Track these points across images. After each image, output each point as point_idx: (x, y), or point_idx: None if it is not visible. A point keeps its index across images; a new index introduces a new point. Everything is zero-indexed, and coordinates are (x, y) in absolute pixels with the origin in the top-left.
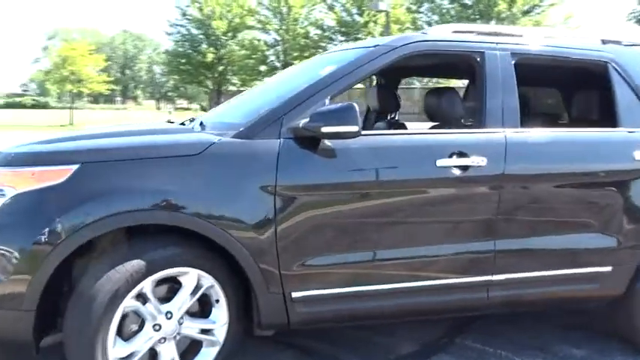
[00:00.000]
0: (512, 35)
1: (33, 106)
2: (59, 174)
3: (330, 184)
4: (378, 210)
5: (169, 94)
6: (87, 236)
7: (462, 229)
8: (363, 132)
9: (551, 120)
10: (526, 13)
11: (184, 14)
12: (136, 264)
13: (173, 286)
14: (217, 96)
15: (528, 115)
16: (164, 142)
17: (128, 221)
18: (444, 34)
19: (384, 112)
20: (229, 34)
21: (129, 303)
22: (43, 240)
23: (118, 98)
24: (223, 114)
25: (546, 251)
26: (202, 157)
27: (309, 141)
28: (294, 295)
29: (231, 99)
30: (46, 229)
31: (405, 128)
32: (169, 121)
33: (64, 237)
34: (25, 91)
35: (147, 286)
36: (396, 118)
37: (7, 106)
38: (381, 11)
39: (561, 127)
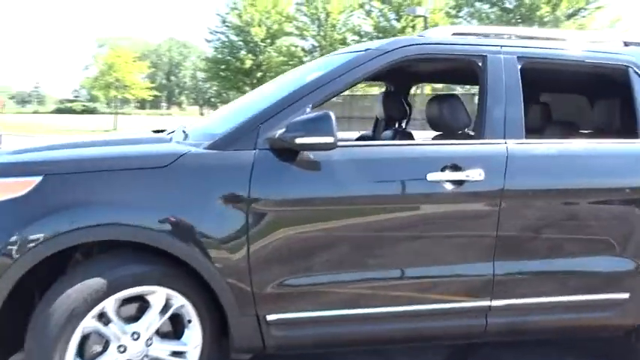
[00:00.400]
0: (520, 38)
1: (82, 112)
2: (22, 186)
3: (309, 199)
4: (362, 228)
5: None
6: (46, 252)
7: (456, 250)
8: (348, 143)
9: (564, 130)
10: (570, 16)
11: (224, 21)
12: (97, 282)
13: (142, 304)
14: None
15: (538, 125)
16: (132, 153)
17: (89, 237)
18: (443, 37)
19: (391, 120)
20: (267, 41)
21: (89, 323)
22: (1, 254)
23: (164, 104)
24: (209, 123)
25: (553, 275)
26: (170, 170)
27: (286, 152)
28: (270, 317)
29: (224, 107)
30: (5, 243)
31: (412, 138)
32: (157, 130)
33: (24, 252)
34: (76, 97)
35: (109, 305)
36: (404, 127)
37: (59, 111)
38: (418, 16)
39: (574, 138)
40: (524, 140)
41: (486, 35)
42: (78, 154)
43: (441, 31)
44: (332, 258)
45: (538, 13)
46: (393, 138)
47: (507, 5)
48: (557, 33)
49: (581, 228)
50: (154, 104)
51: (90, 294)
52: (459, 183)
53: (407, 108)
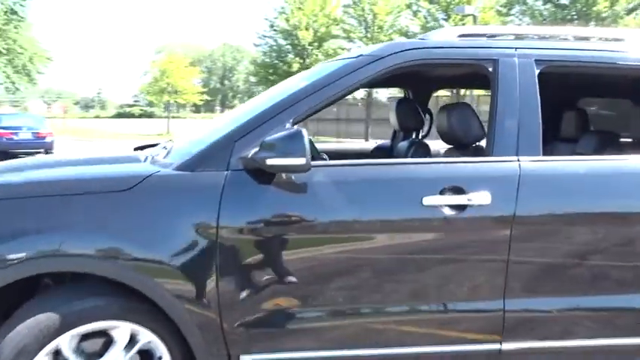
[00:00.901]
0: (540, 38)
1: (140, 116)
2: None
3: (286, 226)
4: (346, 259)
5: None
6: None
7: (458, 284)
8: (331, 162)
9: (600, 140)
10: (631, 11)
11: (272, 26)
12: (50, 317)
13: (107, 340)
14: None
15: (568, 136)
16: (91, 175)
17: (39, 268)
18: (447, 39)
19: (407, 130)
20: (315, 44)
21: None
22: None
23: (218, 108)
24: (192, 139)
25: (574, 314)
26: (132, 193)
27: (261, 174)
28: (243, 358)
29: (215, 119)
30: None
31: (428, 150)
32: (139, 147)
33: None
34: (135, 101)
35: (64, 342)
36: (420, 138)
37: (119, 115)
38: (467, 15)
39: (611, 149)
40: (540, 157)
41: (498, 36)
42: (30, 177)
43: (446, 33)
44: (312, 293)
45: (595, 9)
46: (408, 150)
47: (562, 1)
48: (583, 31)
49: (612, 260)
50: (209, 108)
51: (42, 330)
52: (460, 208)
53: (423, 117)
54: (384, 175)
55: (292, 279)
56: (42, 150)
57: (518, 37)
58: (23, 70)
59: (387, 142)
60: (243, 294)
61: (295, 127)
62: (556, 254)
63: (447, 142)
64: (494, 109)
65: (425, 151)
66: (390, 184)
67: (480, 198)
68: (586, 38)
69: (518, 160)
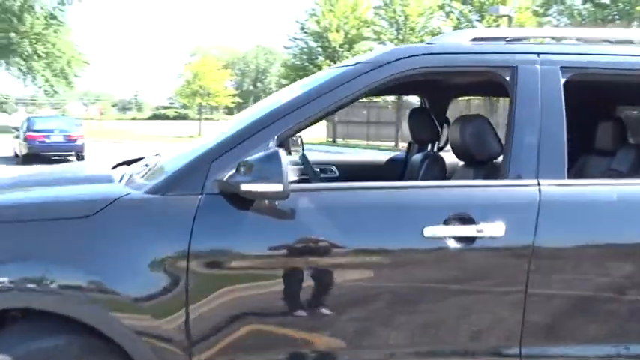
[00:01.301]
0: (569, 42)
1: (175, 118)
2: None
3: (265, 257)
4: (333, 296)
5: None
6: None
7: (465, 328)
8: (318, 186)
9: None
10: None
11: (302, 28)
12: None
13: None
14: None
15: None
16: (53, 199)
17: None
18: (458, 44)
19: (420, 142)
20: (345, 46)
21: None
22: None
23: None
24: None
25: None
26: (94, 221)
27: (238, 198)
28: None
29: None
30: None
31: (443, 165)
32: (126, 162)
33: None
34: (171, 103)
35: None
36: (434, 150)
37: (154, 117)
38: (502, 16)
39: None
40: (564, 181)
41: (518, 40)
42: None
43: (457, 36)
44: (292, 330)
45: (639, 8)
46: (421, 164)
47: (603, 0)
48: (621, 33)
49: None
50: (241, 110)
51: None
52: (469, 240)
53: (439, 127)
54: (378, 200)
55: (269, 316)
56: (73, 152)
57: (544, 40)
58: (61, 74)
59: (401, 153)
60: (216, 332)
61: (273, 147)
62: (582, 294)
63: (460, 158)
64: (511, 123)
65: (439, 166)
66: (385, 212)
67: (492, 229)
68: (628, 41)
69: (539, 185)
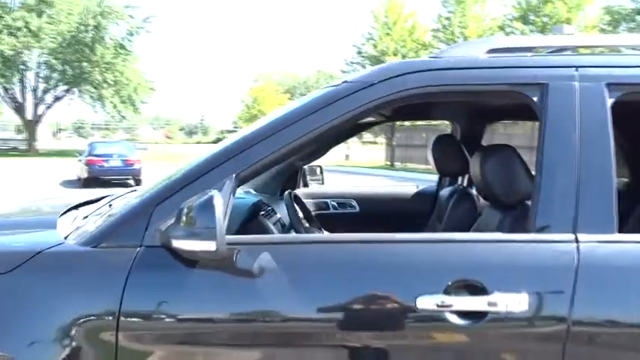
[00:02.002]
0: (616, 51)
1: None
2: None
3: (212, 322)
4: None
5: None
6: None
7: None
8: (272, 238)
9: None
10: None
11: (359, 52)
12: None
13: None
14: (391, 131)
15: None
16: None
17: None
18: (471, 57)
19: (445, 175)
20: None
21: None
22: None
23: None
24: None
25: None
26: (12, 277)
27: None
28: None
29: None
30: None
31: (472, 202)
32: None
33: None
34: (235, 127)
35: None
36: (464, 185)
37: (218, 141)
38: (568, 35)
39: None
40: (614, 236)
41: (549, 49)
42: None
43: (470, 47)
44: None
45: None
46: (448, 200)
47: None
48: None
49: None
50: None
51: None
52: (477, 316)
53: (468, 158)
54: (356, 260)
55: None
56: (130, 176)
57: (582, 50)
58: (128, 100)
59: (432, 186)
60: None
61: (210, 192)
62: None
63: (483, 197)
64: (540, 157)
65: (469, 204)
66: (365, 277)
67: (510, 302)
68: None
69: (577, 241)
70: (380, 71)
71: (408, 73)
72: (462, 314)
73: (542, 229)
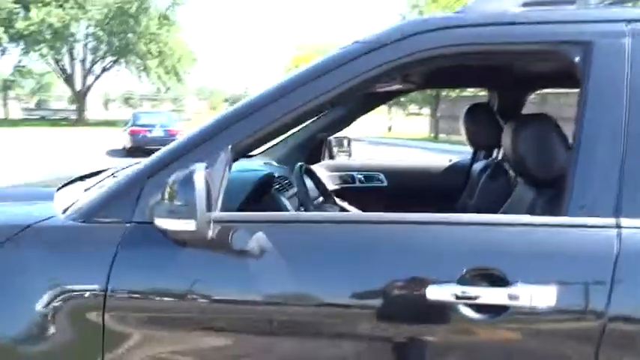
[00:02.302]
0: None
1: None
2: None
3: (199, 304)
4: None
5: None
6: None
7: None
8: (263, 216)
9: None
10: None
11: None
12: None
13: None
14: (436, 102)
15: None
16: None
17: None
18: (502, 11)
19: (478, 148)
20: None
21: None
22: None
23: None
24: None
25: None
26: (3, 250)
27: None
28: None
29: None
30: None
31: (506, 176)
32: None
33: None
34: None
35: None
36: (499, 158)
37: None
38: None
39: None
40: None
41: (596, 2)
42: None
43: (502, 0)
44: None
45: None
46: (480, 175)
47: None
48: None
49: None
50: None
51: None
52: (497, 310)
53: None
54: (357, 242)
55: None
56: None
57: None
58: (172, 71)
59: (466, 159)
60: None
61: (191, 168)
62: None
63: (516, 172)
64: (579, 128)
65: (503, 180)
66: (366, 261)
67: (536, 295)
68: None
69: (618, 226)
70: (395, 30)
71: (427, 31)
72: (478, 307)
73: (577, 212)
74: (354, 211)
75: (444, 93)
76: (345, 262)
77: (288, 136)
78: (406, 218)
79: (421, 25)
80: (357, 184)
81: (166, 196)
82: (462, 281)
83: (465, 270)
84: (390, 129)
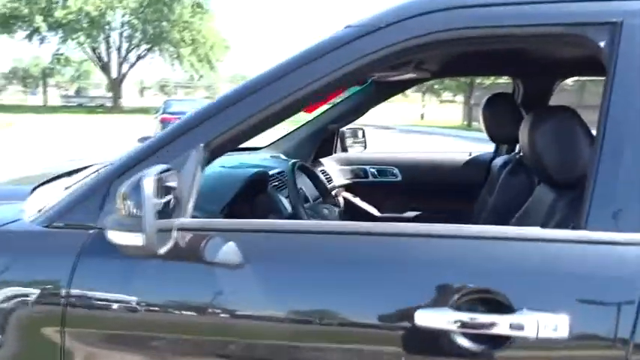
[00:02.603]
0: None
1: None
2: None
3: (161, 318)
4: None
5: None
6: None
7: None
8: (238, 224)
9: None
10: None
11: None
12: None
13: None
14: (469, 89)
15: None
16: None
17: None
18: None
19: (498, 141)
20: None
21: None
22: None
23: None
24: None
25: None
26: None
27: None
28: None
29: None
30: None
31: (527, 173)
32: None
33: None
34: None
35: None
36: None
37: None
38: None
39: None
40: None
41: None
42: None
43: None
44: None
45: None
46: (500, 171)
47: None
48: None
49: None
50: None
51: None
52: (497, 341)
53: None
54: (332, 254)
55: None
56: None
57: None
58: (205, 58)
59: (487, 153)
60: None
61: (141, 174)
62: None
63: (535, 172)
64: (602, 124)
65: (524, 178)
66: (343, 277)
67: (544, 324)
68: None
69: None
70: (390, 12)
71: (426, 13)
72: (475, 337)
73: (598, 224)
74: (365, 207)
75: (478, 80)
76: (319, 277)
77: (297, 128)
78: (391, 229)
79: (424, 5)
80: (370, 178)
81: (117, 204)
82: (456, 305)
83: (461, 292)
84: (422, 117)
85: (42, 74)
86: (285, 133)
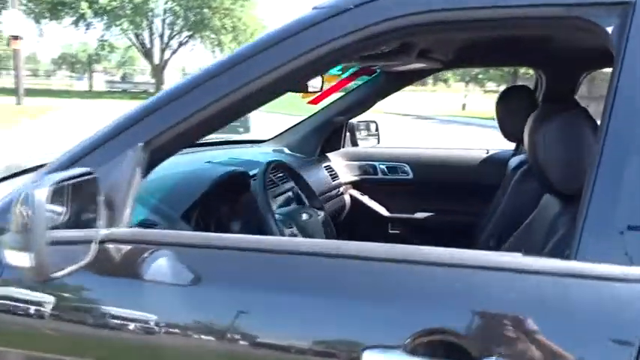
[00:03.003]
0: None
1: None
2: None
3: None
4: None
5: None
6: None
7: None
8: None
9: None
10: None
11: None
12: None
13: None
14: (513, 79)
15: None
16: None
17: None
18: None
19: (512, 139)
20: None
21: None
22: None
23: (430, 80)
24: None
25: None
26: None
27: None
28: None
29: None
30: None
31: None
32: None
33: None
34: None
35: None
36: None
37: None
38: None
39: None
40: None
41: None
42: None
43: None
44: None
45: None
46: (514, 172)
47: None
48: None
49: None
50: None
51: None
52: None
53: None
54: (272, 275)
55: None
56: (238, 124)
57: None
58: None
59: (506, 151)
60: None
61: (29, 187)
62: None
63: (538, 180)
64: (606, 125)
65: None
66: (280, 303)
67: None
68: None
69: None
70: None
71: None
72: None
73: (590, 254)
74: (373, 206)
75: (522, 70)
76: (256, 302)
77: (302, 121)
78: (336, 250)
79: None
80: (379, 175)
81: (10, 220)
82: (410, 348)
83: (414, 333)
84: (464, 107)
85: (88, 60)
86: (290, 126)
